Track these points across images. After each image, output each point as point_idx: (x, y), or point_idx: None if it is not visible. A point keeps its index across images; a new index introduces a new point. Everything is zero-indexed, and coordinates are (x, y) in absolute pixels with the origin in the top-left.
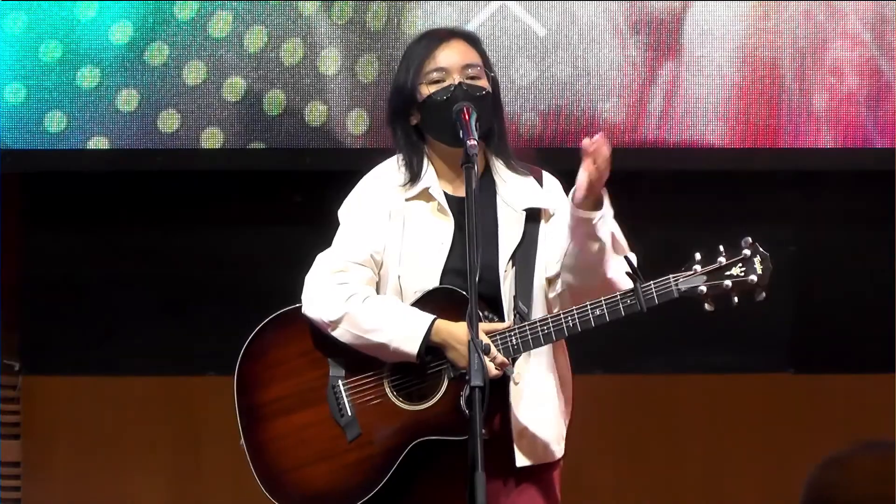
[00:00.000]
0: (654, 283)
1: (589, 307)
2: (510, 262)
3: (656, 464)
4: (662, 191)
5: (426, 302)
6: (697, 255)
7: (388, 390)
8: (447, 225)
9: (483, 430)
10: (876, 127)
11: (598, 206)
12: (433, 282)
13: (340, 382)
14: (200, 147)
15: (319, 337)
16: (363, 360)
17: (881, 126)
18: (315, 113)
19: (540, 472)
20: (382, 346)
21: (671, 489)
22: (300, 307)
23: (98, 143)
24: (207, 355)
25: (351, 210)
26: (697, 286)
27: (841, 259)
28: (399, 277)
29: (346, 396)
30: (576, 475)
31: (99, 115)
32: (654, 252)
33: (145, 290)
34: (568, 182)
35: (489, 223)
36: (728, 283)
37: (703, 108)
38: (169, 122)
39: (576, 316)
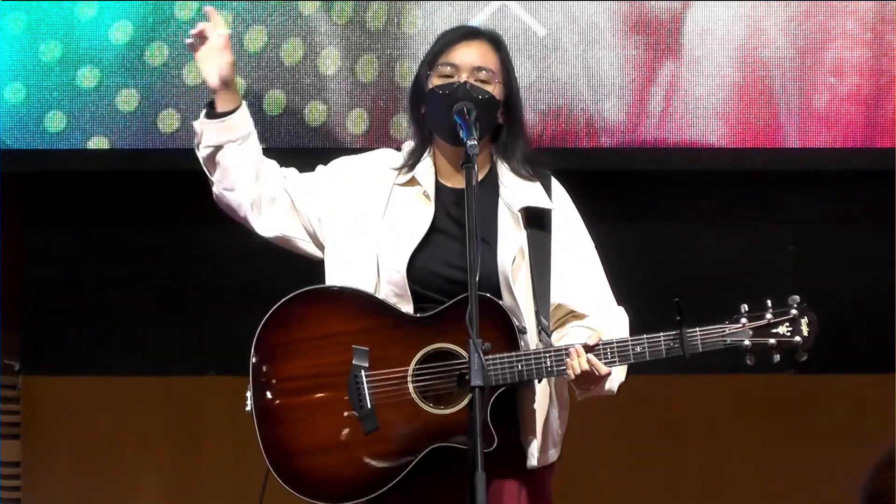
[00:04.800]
0: (701, 331)
1: (630, 343)
2: (513, 265)
3: (656, 464)
4: (662, 191)
5: (455, 308)
6: (744, 307)
7: (411, 390)
8: (427, 210)
9: (495, 434)
10: (876, 127)
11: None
12: (404, 260)
13: (363, 373)
14: None
15: (346, 322)
16: (389, 355)
17: (881, 126)
18: (315, 113)
19: (542, 475)
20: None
21: (671, 489)
22: (329, 286)
23: (98, 143)
24: (207, 355)
25: (330, 166)
26: (743, 341)
27: (841, 259)
28: (377, 256)
29: (368, 388)
30: (576, 475)
31: (99, 115)
32: (654, 252)
33: (145, 290)
34: (569, 182)
35: (488, 224)
36: (773, 340)
37: (703, 108)
38: (169, 122)
39: (615, 349)
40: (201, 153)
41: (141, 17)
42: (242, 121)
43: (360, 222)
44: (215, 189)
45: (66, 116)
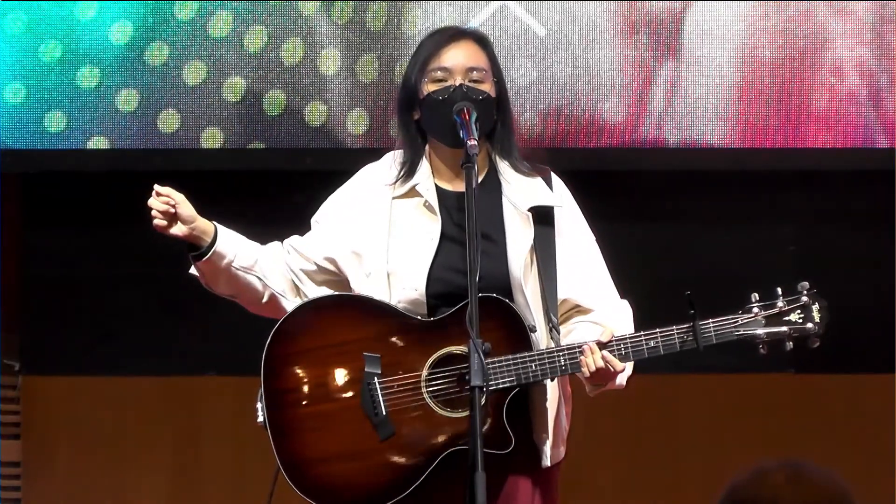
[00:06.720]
0: (714, 323)
1: (643, 338)
2: (527, 266)
3: (657, 463)
4: (662, 191)
5: (464, 310)
6: (755, 296)
7: (426, 395)
8: (434, 221)
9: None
10: (876, 127)
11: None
12: (422, 278)
13: (376, 380)
14: (200, 147)
15: (355, 329)
16: (401, 360)
17: (881, 126)
18: (315, 113)
19: (552, 473)
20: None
21: (672, 489)
22: (336, 295)
23: (98, 143)
24: (207, 355)
25: (325, 210)
26: (756, 331)
27: (841, 259)
28: (388, 275)
29: (382, 395)
30: (576, 475)
31: (99, 115)
32: (653, 252)
33: (145, 290)
34: (569, 182)
35: (495, 224)
36: (785, 328)
37: (703, 108)
38: (169, 122)
39: (629, 345)
40: (218, 291)
41: (141, 17)
42: (226, 241)
43: (366, 245)
44: (253, 310)
45: (66, 116)
